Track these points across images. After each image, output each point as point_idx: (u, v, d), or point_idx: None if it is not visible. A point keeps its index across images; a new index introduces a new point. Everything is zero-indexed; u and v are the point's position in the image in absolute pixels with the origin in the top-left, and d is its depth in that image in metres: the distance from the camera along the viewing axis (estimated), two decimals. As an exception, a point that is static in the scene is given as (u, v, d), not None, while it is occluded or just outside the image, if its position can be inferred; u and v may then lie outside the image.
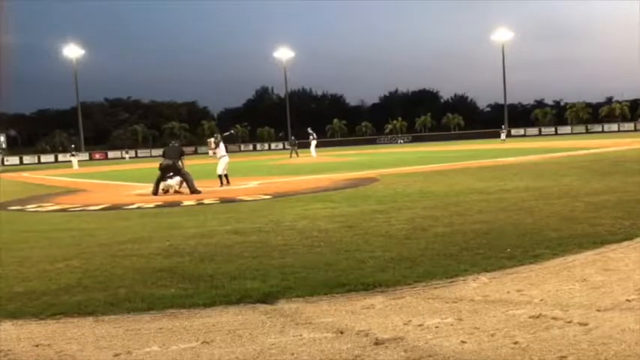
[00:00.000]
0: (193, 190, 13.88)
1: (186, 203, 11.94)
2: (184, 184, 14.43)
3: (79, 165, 43.24)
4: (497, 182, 12.58)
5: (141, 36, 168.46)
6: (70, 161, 45.62)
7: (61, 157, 69.86)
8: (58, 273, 5.48)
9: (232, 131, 25.14)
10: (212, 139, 17.08)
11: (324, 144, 62.69)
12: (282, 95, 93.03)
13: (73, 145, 52.39)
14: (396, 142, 74.79)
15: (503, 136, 57.45)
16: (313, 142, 39.44)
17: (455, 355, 3.07)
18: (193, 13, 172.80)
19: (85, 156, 71.56)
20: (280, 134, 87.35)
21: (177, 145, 16.38)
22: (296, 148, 41.43)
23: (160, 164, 14.62)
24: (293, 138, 44.78)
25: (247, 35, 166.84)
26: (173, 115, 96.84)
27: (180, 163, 14.53)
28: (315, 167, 24.48)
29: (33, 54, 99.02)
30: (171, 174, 14.34)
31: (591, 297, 4.00)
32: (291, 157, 39.25)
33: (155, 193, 13.98)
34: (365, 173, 18.38)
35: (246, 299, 4.30)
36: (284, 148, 73.03)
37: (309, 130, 40.24)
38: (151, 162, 32.54)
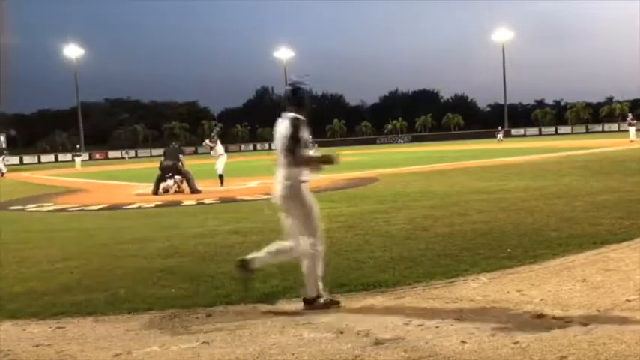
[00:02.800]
0: (194, 190, 13.91)
1: (186, 203, 11.94)
2: (184, 184, 14.49)
3: (82, 165, 43.16)
4: (498, 182, 12.58)
5: (141, 36, 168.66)
6: (73, 160, 45.57)
7: (61, 157, 69.85)
8: (58, 273, 5.48)
9: (218, 127, 25.23)
10: (207, 141, 17.13)
11: (324, 144, 62.57)
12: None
13: (78, 146, 52.16)
14: (396, 142, 74.57)
15: (500, 136, 57.06)
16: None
17: (455, 355, 3.07)
18: (194, 13, 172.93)
19: (85, 156, 71.43)
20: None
21: (177, 146, 16.58)
22: None
23: (161, 163, 14.75)
24: None
25: (248, 35, 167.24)
26: (173, 115, 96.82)
27: (180, 163, 14.64)
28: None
29: (33, 54, 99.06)
30: (171, 174, 14.40)
31: (591, 297, 4.00)
32: None
33: (155, 192, 14.04)
34: (365, 173, 18.36)
35: (247, 299, 4.30)
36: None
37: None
38: (151, 162, 32.51)
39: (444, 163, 22.22)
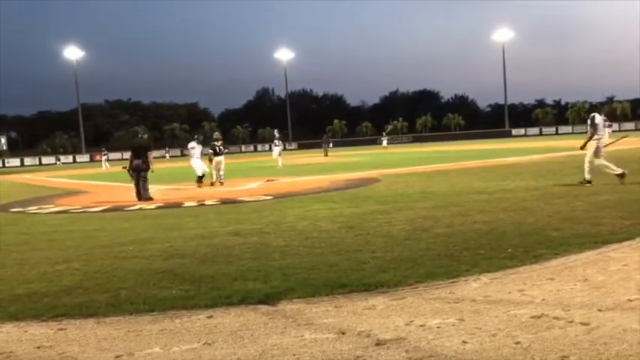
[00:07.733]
0: (144, 197, 13.00)
1: (187, 204, 11.94)
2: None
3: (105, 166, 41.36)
4: (499, 182, 12.58)
5: (141, 37, 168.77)
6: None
7: (63, 158, 69.98)
8: (59, 275, 5.48)
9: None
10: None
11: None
12: (283, 96, 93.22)
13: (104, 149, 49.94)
14: (381, 144, 56.95)
15: (384, 142, 55.16)
16: (276, 149, 32.40)
17: (456, 356, 3.07)
18: (194, 15, 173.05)
19: (85, 157, 71.55)
20: (282, 135, 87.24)
21: (145, 137, 15.60)
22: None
23: (131, 164, 13.43)
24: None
25: (248, 36, 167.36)
26: (174, 116, 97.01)
27: (148, 160, 13.35)
28: (316, 168, 24.49)
29: (34, 55, 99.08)
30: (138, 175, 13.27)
31: (593, 297, 3.99)
32: (326, 154, 37.42)
33: (139, 197, 12.99)
34: (366, 174, 18.37)
35: (248, 300, 4.30)
36: (284, 149, 72.83)
37: (276, 134, 34.24)
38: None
39: (444, 163, 22.22)
